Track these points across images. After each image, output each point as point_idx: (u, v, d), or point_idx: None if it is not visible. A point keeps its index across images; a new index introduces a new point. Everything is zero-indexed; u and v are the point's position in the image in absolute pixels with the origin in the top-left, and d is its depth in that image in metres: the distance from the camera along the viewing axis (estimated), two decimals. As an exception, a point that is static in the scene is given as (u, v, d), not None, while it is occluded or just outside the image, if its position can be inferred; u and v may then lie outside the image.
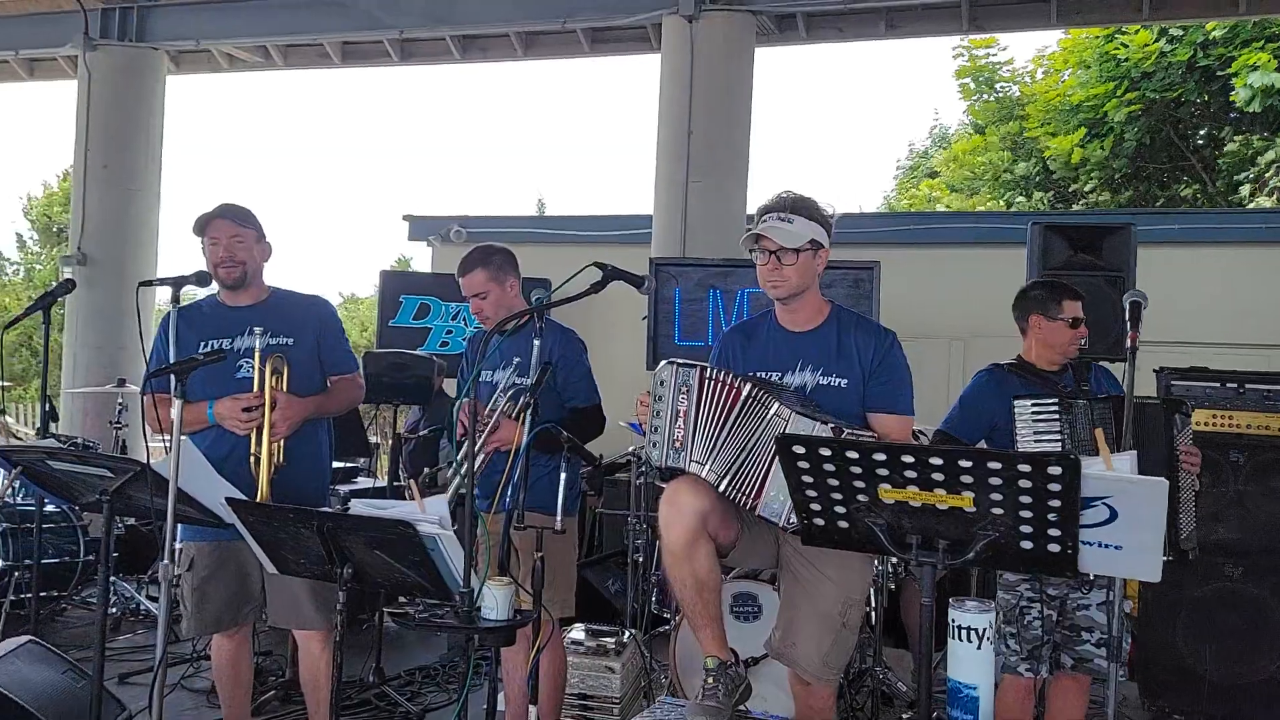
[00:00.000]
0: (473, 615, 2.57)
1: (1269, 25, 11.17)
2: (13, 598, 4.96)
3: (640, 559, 4.55)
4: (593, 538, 5.86)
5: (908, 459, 2.06)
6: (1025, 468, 1.99)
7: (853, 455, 2.10)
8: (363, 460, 6.29)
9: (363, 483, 5.82)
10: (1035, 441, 3.29)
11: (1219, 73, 11.81)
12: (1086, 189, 13.03)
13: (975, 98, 14.28)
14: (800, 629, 2.89)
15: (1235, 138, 12.39)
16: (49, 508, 5.22)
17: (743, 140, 7.20)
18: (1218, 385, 4.72)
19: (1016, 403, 3.34)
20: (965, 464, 2.03)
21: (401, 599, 4.85)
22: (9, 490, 5.47)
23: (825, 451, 2.12)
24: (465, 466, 2.95)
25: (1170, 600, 4.66)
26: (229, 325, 3.37)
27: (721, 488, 2.70)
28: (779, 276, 2.91)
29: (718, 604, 2.89)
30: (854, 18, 7.74)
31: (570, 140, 55.00)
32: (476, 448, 3.07)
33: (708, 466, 2.72)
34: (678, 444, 2.76)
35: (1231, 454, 4.57)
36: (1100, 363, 4.18)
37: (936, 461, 2.04)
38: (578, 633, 4.06)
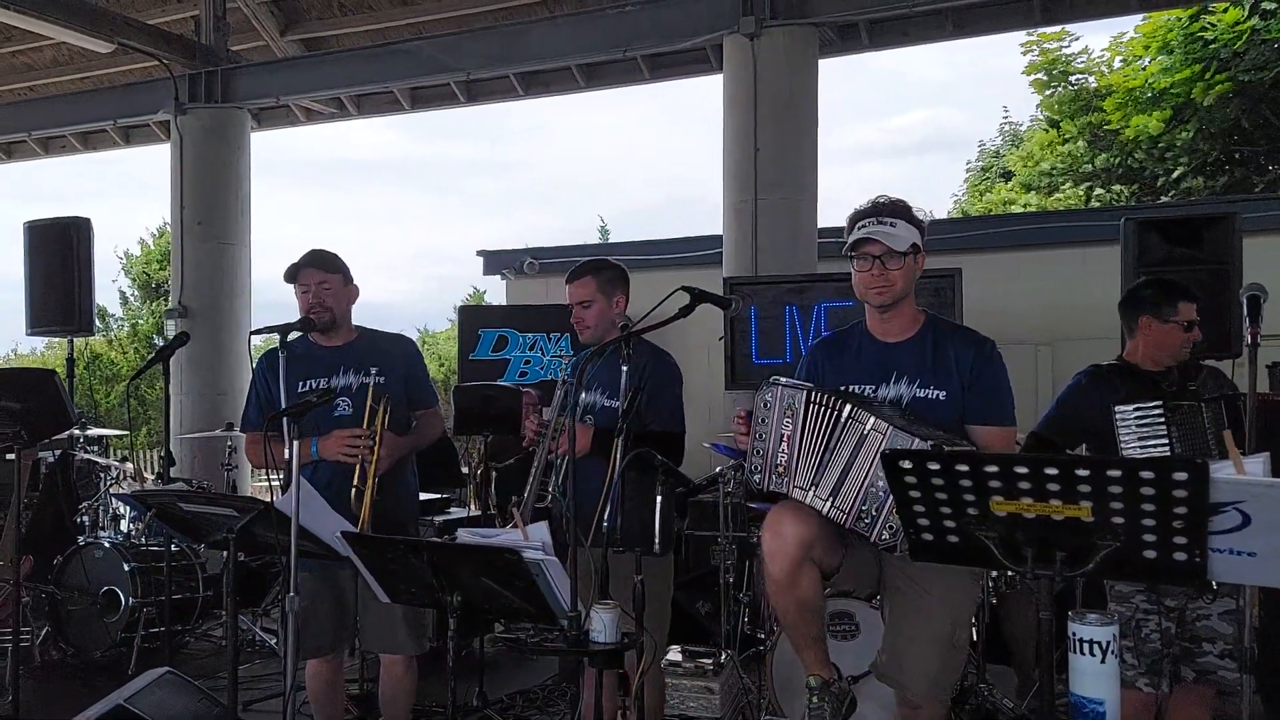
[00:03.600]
0: (582, 638, 2.57)
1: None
2: (143, 632, 5.29)
3: (731, 579, 4.51)
4: (679, 560, 5.84)
5: (1021, 470, 1.99)
6: (1148, 474, 1.91)
7: (963, 468, 2.04)
8: (456, 491, 6.40)
9: (456, 512, 5.93)
10: (1141, 448, 3.17)
11: None
12: (1174, 175, 12.47)
13: (1049, 91, 13.85)
14: (907, 650, 2.83)
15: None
16: (173, 548, 5.52)
17: (810, 154, 7.16)
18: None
19: (1118, 409, 3.20)
20: (1083, 473, 1.96)
21: (502, 625, 4.91)
22: (136, 531, 5.82)
23: (934, 466, 2.07)
24: (566, 490, 2.97)
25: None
26: (323, 366, 3.51)
27: (826, 511, 2.66)
28: (884, 281, 2.85)
29: (822, 626, 2.87)
30: (919, 20, 7.64)
31: (627, 164, 55.36)
32: (549, 454, 3.16)
33: (812, 492, 2.68)
34: (781, 468, 2.73)
35: None
36: (1208, 361, 4.03)
37: (1052, 471, 1.97)
38: (674, 654, 4.07)
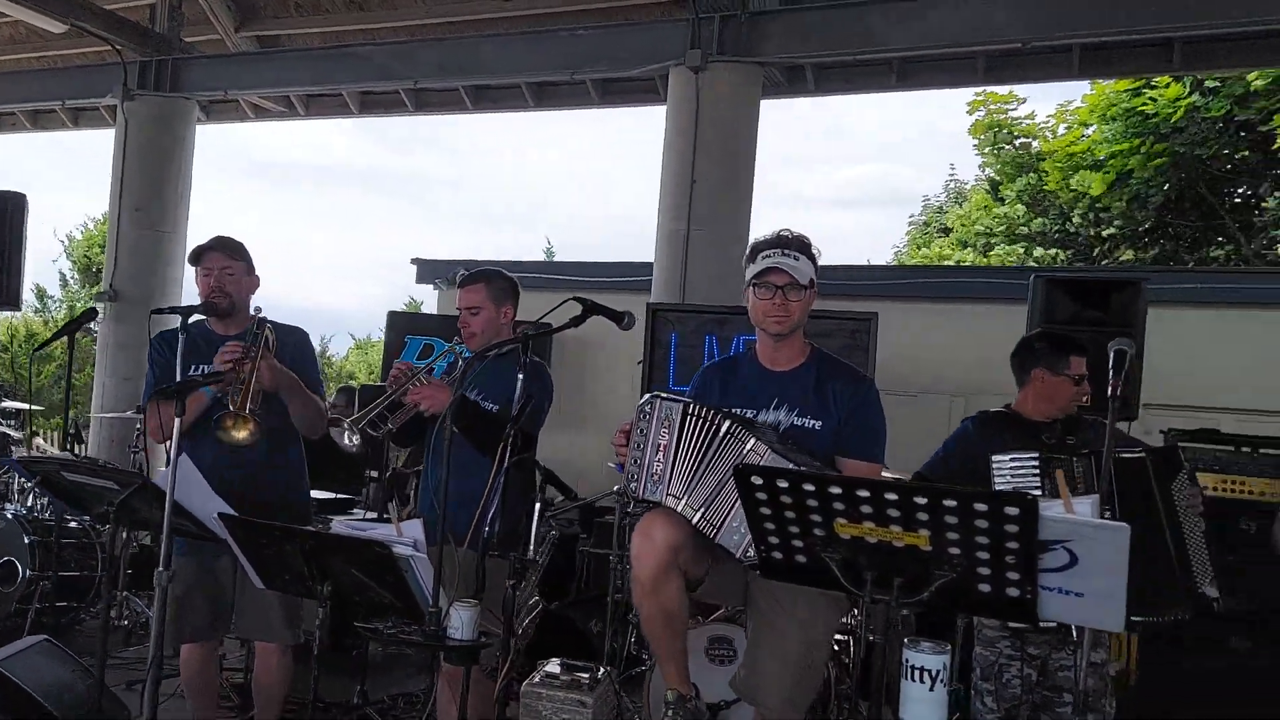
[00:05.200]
0: (439, 634, 2.58)
1: (1319, 76, 10.90)
2: (37, 605, 5.33)
3: (620, 598, 4.52)
4: (581, 577, 5.83)
5: (863, 494, 2.06)
6: (981, 506, 1.98)
7: (809, 488, 2.09)
8: (362, 492, 6.34)
9: (357, 514, 5.89)
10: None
11: (1260, 127, 11.57)
12: (1105, 235, 12.77)
13: (991, 150, 14.21)
14: (764, 667, 2.88)
15: (1276, 193, 12.12)
16: (71, 524, 5.60)
17: (745, 191, 7.26)
18: (1231, 450, 4.61)
19: (994, 458, 3.25)
20: (920, 501, 2.02)
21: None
22: (41, 506, 5.82)
23: (782, 484, 2.12)
24: (439, 489, 2.98)
25: (1170, 669, 4.45)
26: (215, 351, 3.45)
27: (695, 520, 2.71)
28: (784, 311, 2.94)
29: (683, 638, 2.90)
30: (864, 69, 7.80)
31: (580, 186, 55.51)
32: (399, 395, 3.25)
33: (684, 500, 2.73)
34: (656, 476, 2.78)
35: (1242, 521, 4.39)
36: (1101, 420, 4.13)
37: (892, 497, 2.03)
38: (553, 666, 4.04)
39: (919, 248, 17.07)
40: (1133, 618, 3.11)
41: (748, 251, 3.10)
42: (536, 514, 3.06)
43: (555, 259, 19.51)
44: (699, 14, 7.19)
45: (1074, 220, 13.11)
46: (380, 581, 2.75)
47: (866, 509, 2.06)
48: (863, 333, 6.11)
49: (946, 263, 14.53)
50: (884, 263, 16.23)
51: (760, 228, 7.34)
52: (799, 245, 2.99)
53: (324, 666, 2.97)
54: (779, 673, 2.85)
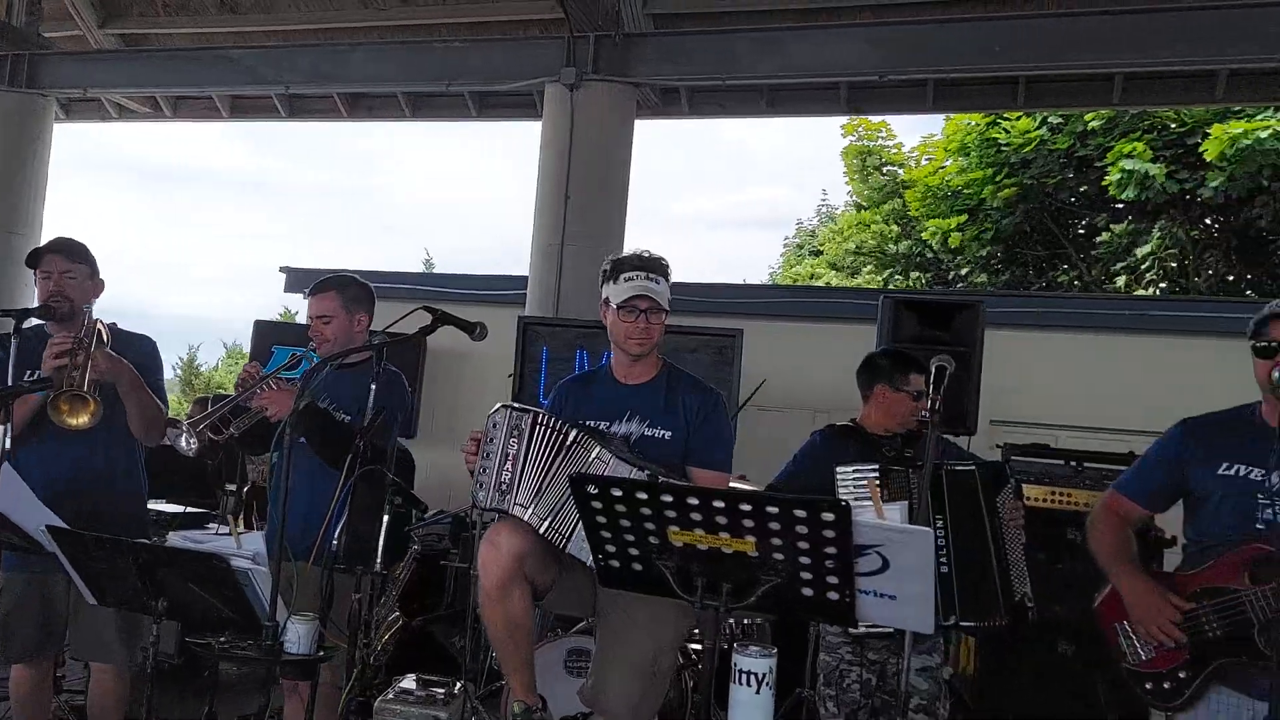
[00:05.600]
0: (275, 649, 2.54)
1: (1146, 116, 11.70)
2: None
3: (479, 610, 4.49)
4: (449, 592, 5.78)
5: (693, 501, 2.13)
6: (800, 513, 2.07)
7: (642, 496, 2.15)
8: (216, 508, 6.14)
9: (211, 529, 5.70)
10: (857, 508, 3.38)
11: (1097, 163, 12.37)
12: (963, 272, 13.57)
13: (860, 176, 14.85)
14: (612, 676, 2.93)
15: (1112, 226, 13.01)
16: None
17: (619, 208, 7.38)
18: (1060, 463, 4.89)
19: (838, 469, 3.38)
20: (746, 508, 2.10)
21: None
22: None
23: (616, 492, 2.17)
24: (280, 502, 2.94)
25: (1005, 673, 4.70)
26: None
27: (542, 529, 2.73)
28: (647, 335, 3.04)
29: (529, 648, 2.93)
30: (736, 94, 8.03)
31: (462, 199, 55.02)
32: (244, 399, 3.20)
33: (531, 509, 2.75)
34: (503, 486, 2.80)
35: (1069, 531, 4.61)
36: (946, 435, 4.34)
37: (720, 505, 2.11)
38: (409, 682, 4.00)
39: (792, 267, 17.67)
40: (962, 623, 3.32)
41: (606, 268, 3.17)
42: (385, 527, 3.03)
43: (435, 271, 19.36)
44: (574, 33, 7.30)
45: (932, 247, 13.82)
46: (219, 596, 2.69)
47: (697, 516, 2.13)
48: (729, 349, 6.28)
49: (818, 283, 15.06)
50: (758, 282, 16.68)
51: (643, 244, 7.49)
52: (660, 268, 3.08)
53: (175, 686, 2.88)
54: (626, 681, 2.90)
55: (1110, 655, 2.88)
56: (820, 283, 15.13)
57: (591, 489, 2.19)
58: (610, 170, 7.31)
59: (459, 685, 4.12)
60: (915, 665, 3.54)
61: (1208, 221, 12.32)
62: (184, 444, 3.14)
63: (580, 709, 3.71)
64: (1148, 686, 2.79)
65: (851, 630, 3.50)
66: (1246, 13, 6.09)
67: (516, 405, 2.88)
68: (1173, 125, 11.72)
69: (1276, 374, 2.55)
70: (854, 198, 15.75)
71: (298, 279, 9.04)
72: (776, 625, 5.04)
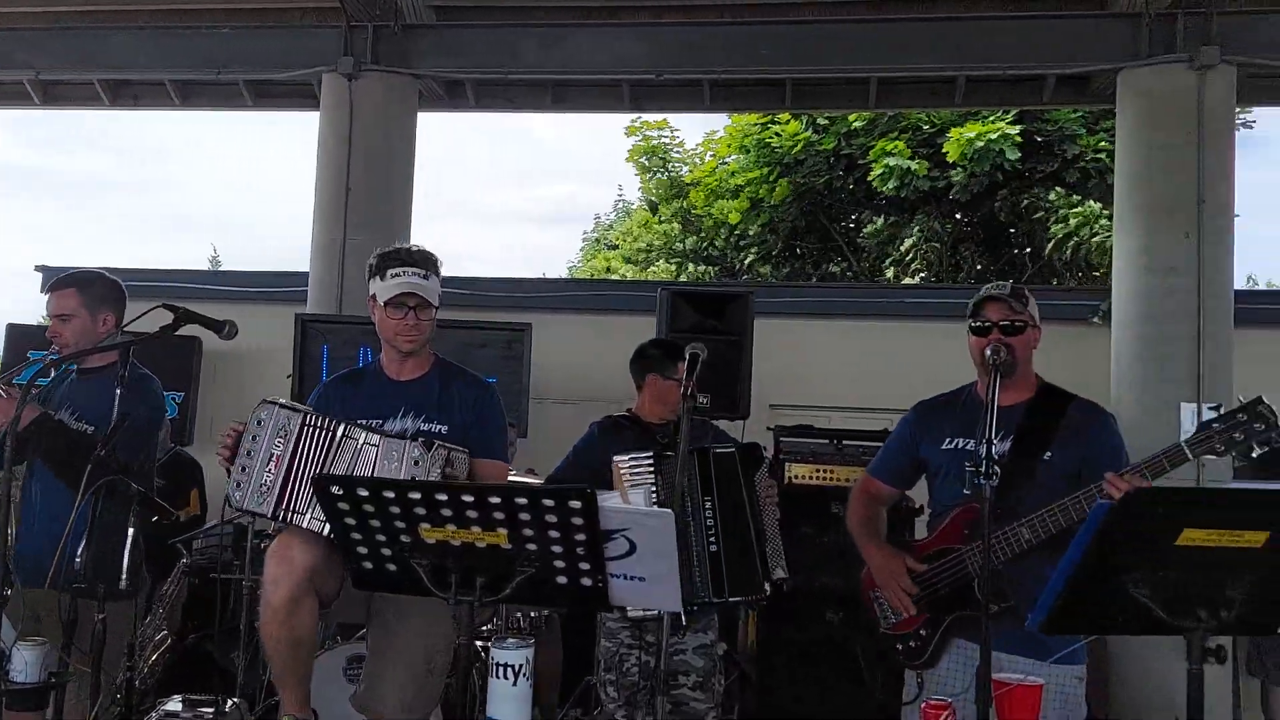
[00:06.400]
0: (-1, 677, 2.37)
1: (902, 119, 12.57)
2: None
3: (258, 624, 4.33)
4: (229, 607, 5.52)
5: (441, 497, 2.13)
6: (549, 502, 2.12)
7: (389, 495, 2.14)
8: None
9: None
10: (633, 494, 3.47)
11: (860, 160, 13.14)
12: (748, 262, 14.15)
13: (649, 175, 15.22)
14: (386, 676, 2.91)
15: (875, 219, 13.91)
16: None
17: (404, 201, 7.24)
18: (825, 442, 5.22)
19: (615, 458, 3.46)
20: (496, 500, 2.13)
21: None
22: None
23: (363, 492, 2.15)
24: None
25: (778, 645, 4.97)
26: None
27: (326, 531, 2.66)
28: (417, 331, 3.00)
29: (310, 664, 2.86)
30: (522, 89, 8.00)
31: (248, 193, 52.24)
32: None
33: (310, 515, 2.68)
34: (265, 488, 2.71)
35: (833, 506, 4.87)
36: (719, 421, 4.51)
37: (469, 499, 2.13)
38: (174, 704, 3.81)
39: (590, 261, 17.92)
40: (731, 598, 3.47)
41: (373, 263, 3.12)
42: (130, 544, 2.87)
43: (222, 269, 18.36)
44: (351, 22, 7.09)
45: (717, 244, 14.39)
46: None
47: (447, 512, 2.14)
48: (518, 343, 6.31)
49: (613, 277, 15.33)
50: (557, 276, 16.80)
51: (442, 240, 7.40)
52: (428, 263, 3.05)
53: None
54: (400, 680, 2.88)
55: (871, 622, 3.11)
56: (616, 276, 15.41)
57: (336, 489, 2.15)
58: (393, 163, 7.15)
59: (231, 703, 3.96)
60: (691, 644, 3.70)
61: (959, 216, 13.39)
62: None
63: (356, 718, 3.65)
64: (899, 648, 3.03)
65: (630, 615, 3.59)
66: (980, 25, 6.65)
67: (284, 402, 2.79)
68: (925, 126, 12.68)
69: (989, 351, 2.80)
70: (644, 195, 16.13)
71: (54, 278, 8.37)
72: (566, 617, 5.12)
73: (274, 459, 2.71)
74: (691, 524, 3.36)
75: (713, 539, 3.37)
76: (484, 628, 4.28)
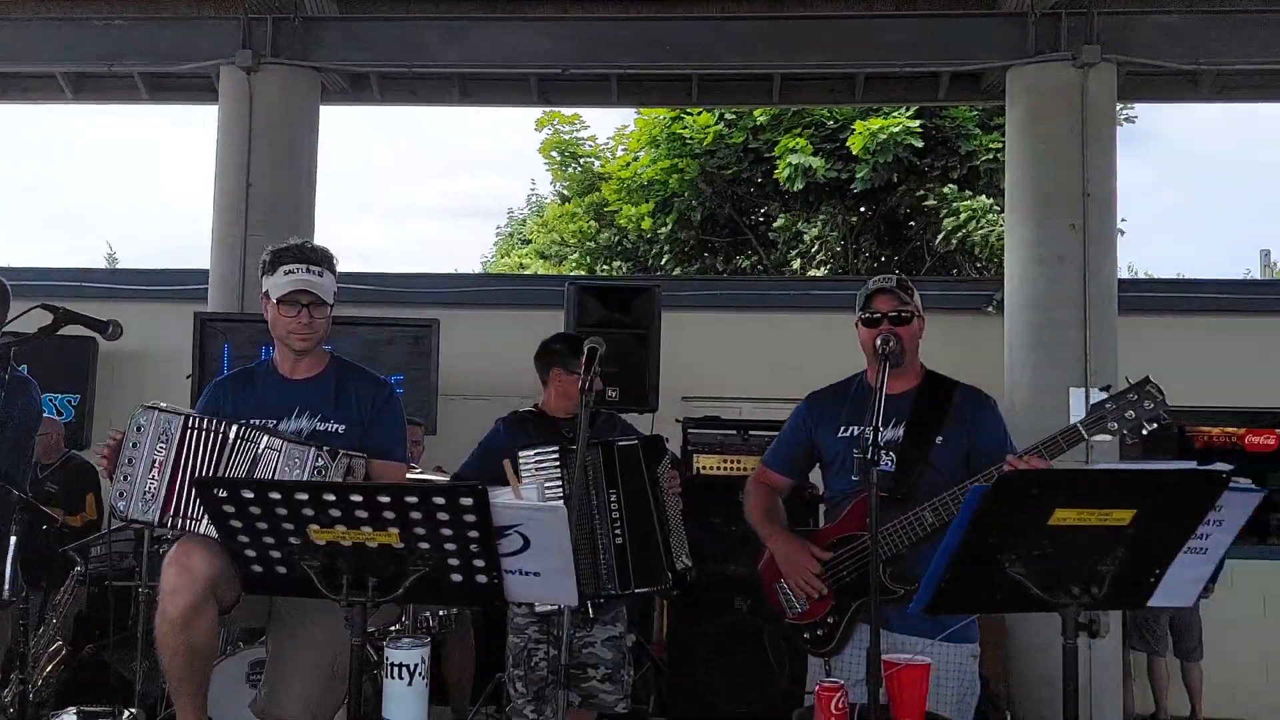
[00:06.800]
0: None
1: (806, 115, 12.86)
2: None
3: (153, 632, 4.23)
4: (131, 615, 5.37)
5: (330, 497, 2.11)
6: (440, 500, 2.11)
7: (276, 496, 2.11)
8: None
9: None
10: (543, 489, 3.48)
11: (767, 155, 13.41)
12: (661, 260, 14.29)
13: (561, 169, 15.23)
14: (289, 678, 2.87)
15: (782, 214, 14.16)
16: None
17: (307, 196, 7.11)
18: (732, 433, 5.30)
19: (521, 454, 3.46)
20: (385, 499, 2.11)
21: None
22: None
23: (248, 494, 2.12)
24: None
25: (690, 634, 5.04)
26: None
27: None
28: (310, 330, 2.94)
29: (208, 674, 2.78)
30: (428, 82, 7.91)
31: (146, 188, 50.48)
32: None
33: (205, 521, 2.61)
34: (149, 495, 2.65)
35: (740, 495, 5.03)
36: (628, 415, 4.54)
37: (358, 499, 2.11)
38: (68, 716, 3.73)
39: (503, 257, 17.81)
40: (637, 589, 3.51)
41: (266, 259, 3.05)
42: (11, 551, 2.78)
43: (119, 266, 17.73)
44: (249, 14, 6.94)
45: (630, 239, 14.48)
46: None
47: (336, 513, 2.12)
48: (425, 339, 6.27)
49: (527, 272, 15.29)
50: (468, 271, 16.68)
51: (351, 237, 7.28)
52: (322, 259, 3.00)
53: None
54: (305, 681, 2.85)
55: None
56: (529, 271, 15.37)
57: (220, 492, 2.12)
58: (295, 157, 7.02)
59: (127, 714, 3.89)
60: (600, 636, 3.73)
61: (862, 209, 13.71)
62: None
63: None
64: (805, 636, 3.07)
65: (538, 610, 3.61)
66: (876, 23, 6.82)
67: (164, 406, 2.72)
68: (828, 122, 12.96)
69: (879, 341, 2.88)
70: (557, 187, 16.13)
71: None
72: (478, 615, 5.11)
73: (156, 465, 2.64)
74: (597, 517, 3.40)
75: (618, 531, 3.41)
76: (392, 628, 4.24)
